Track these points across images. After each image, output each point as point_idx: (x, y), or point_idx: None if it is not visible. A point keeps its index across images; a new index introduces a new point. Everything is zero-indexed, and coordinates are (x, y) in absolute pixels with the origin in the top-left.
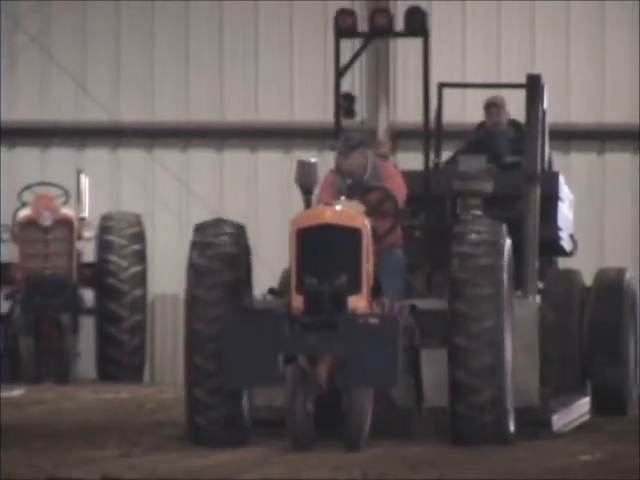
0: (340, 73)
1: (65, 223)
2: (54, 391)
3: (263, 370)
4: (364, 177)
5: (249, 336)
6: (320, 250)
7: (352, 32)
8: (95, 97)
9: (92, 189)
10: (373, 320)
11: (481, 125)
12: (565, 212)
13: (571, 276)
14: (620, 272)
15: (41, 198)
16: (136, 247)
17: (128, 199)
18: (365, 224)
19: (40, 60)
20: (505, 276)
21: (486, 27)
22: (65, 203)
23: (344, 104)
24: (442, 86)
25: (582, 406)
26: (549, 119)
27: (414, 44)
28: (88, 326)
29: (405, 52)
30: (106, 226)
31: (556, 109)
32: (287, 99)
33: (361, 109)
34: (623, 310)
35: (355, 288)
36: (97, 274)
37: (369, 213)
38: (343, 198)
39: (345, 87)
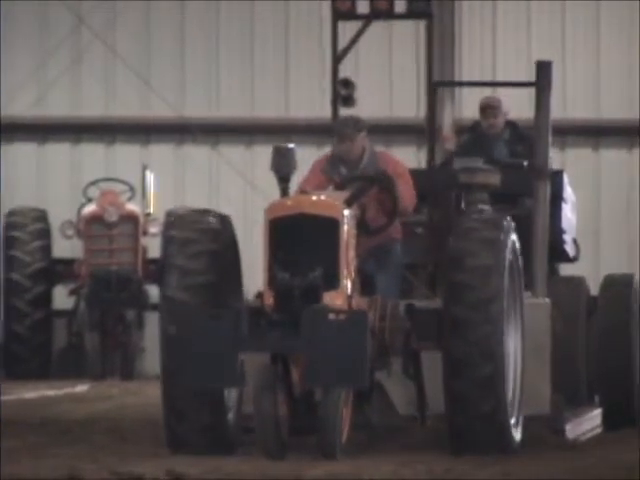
0: (338, 58)
1: (130, 219)
2: (119, 387)
3: (222, 370)
4: (360, 165)
5: (210, 334)
6: (293, 242)
7: (351, 14)
8: (160, 93)
9: (157, 185)
10: (340, 316)
11: (475, 126)
12: (568, 214)
13: (576, 284)
14: (628, 278)
15: (106, 194)
16: None
17: (193, 195)
18: (344, 214)
19: (105, 56)
20: (507, 277)
21: (550, 25)
22: (130, 199)
23: (343, 92)
24: (435, 85)
25: (595, 418)
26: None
27: (480, 39)
28: (153, 322)
29: (471, 47)
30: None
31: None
32: None
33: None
34: (632, 319)
35: (332, 283)
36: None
37: (350, 202)
38: (331, 188)
39: (410, 82)
